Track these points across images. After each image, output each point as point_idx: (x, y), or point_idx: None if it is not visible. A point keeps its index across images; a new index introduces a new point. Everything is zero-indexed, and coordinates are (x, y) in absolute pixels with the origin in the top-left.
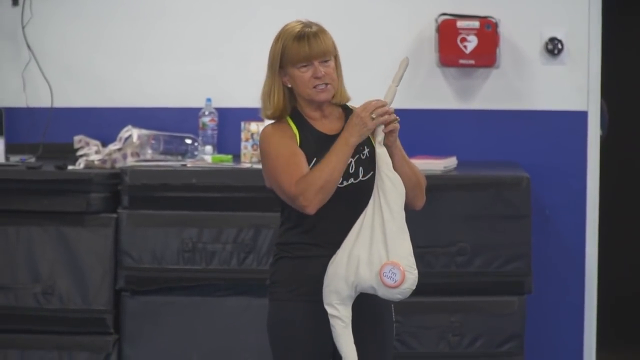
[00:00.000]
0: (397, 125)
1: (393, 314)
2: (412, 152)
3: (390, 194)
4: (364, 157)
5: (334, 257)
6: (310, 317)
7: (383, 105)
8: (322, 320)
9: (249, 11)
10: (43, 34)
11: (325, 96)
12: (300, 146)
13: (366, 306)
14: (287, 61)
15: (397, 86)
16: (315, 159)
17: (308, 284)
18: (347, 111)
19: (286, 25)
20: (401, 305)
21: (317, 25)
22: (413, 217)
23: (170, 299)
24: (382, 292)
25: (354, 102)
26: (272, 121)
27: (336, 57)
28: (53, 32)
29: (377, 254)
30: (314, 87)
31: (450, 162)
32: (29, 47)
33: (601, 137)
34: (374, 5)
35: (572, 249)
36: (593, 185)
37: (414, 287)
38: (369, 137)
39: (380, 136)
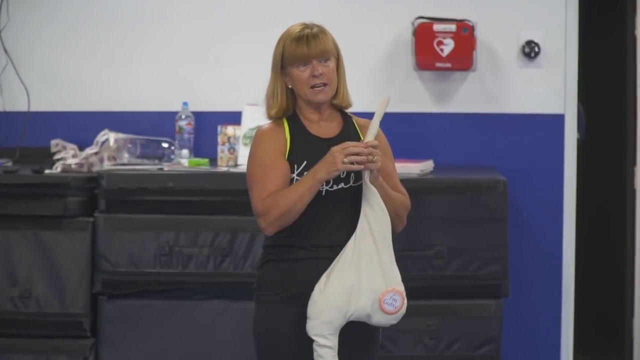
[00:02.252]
0: (373, 166)
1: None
2: None
3: (382, 222)
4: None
5: (322, 286)
6: (297, 320)
7: (356, 151)
8: (305, 321)
9: (225, 16)
10: (20, 38)
11: (323, 97)
12: (290, 150)
13: (354, 329)
14: (287, 62)
15: (379, 122)
16: (305, 162)
17: (295, 287)
18: (346, 118)
19: (288, 28)
20: None
21: (318, 26)
22: None
23: (147, 303)
24: (378, 319)
25: None
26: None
27: (339, 60)
28: (30, 36)
29: (375, 281)
30: (312, 87)
31: (427, 165)
32: (5, 51)
33: (578, 140)
34: (350, 8)
35: (549, 253)
36: (570, 188)
37: (404, 313)
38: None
39: (365, 174)
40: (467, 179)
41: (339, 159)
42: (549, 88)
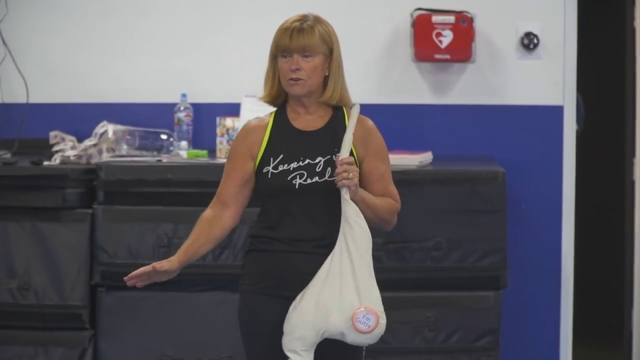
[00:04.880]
0: (348, 182)
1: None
2: (388, 147)
3: (360, 240)
4: (336, 158)
5: (297, 301)
6: (271, 310)
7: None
8: (283, 314)
9: (223, 6)
10: (18, 30)
11: (298, 90)
12: (268, 145)
13: (334, 347)
14: (275, 50)
15: (352, 136)
16: (281, 155)
17: (269, 277)
18: (338, 113)
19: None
20: None
21: (313, 20)
22: None
23: (145, 294)
24: (352, 338)
25: None
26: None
27: (332, 56)
28: (29, 28)
29: (349, 299)
30: (289, 79)
31: (426, 157)
32: (4, 42)
33: (577, 131)
34: (349, 0)
35: (548, 244)
36: (569, 179)
37: (383, 332)
38: (341, 140)
39: (343, 191)
40: (466, 171)
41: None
42: (548, 79)
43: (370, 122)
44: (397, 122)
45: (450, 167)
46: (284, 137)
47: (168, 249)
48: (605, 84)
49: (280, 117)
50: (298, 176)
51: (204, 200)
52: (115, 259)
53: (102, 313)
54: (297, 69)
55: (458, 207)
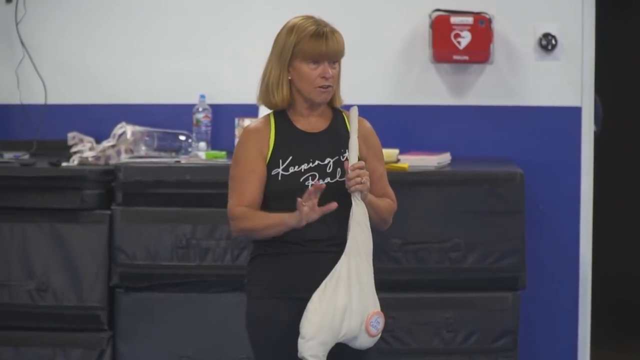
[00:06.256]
0: (362, 187)
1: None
2: (406, 147)
3: (368, 243)
4: (343, 160)
5: (316, 305)
6: (286, 314)
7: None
8: (297, 316)
9: (242, 7)
10: (37, 31)
11: (325, 97)
12: (275, 147)
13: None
14: (298, 55)
15: (357, 139)
16: (290, 157)
17: (283, 281)
18: (337, 114)
19: (298, 20)
20: (395, 301)
21: (329, 24)
22: (407, 213)
23: (164, 296)
24: (361, 341)
25: (351, 97)
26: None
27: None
28: (47, 29)
29: (364, 303)
30: (318, 86)
31: (444, 158)
32: (22, 44)
33: (595, 132)
34: (368, 1)
35: (566, 245)
36: (587, 180)
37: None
38: (344, 140)
39: (356, 195)
40: (484, 172)
41: (305, 218)
42: (565, 80)
43: (368, 123)
44: (415, 123)
45: (468, 168)
46: (290, 138)
47: (186, 250)
48: (623, 85)
49: (281, 119)
50: (310, 177)
51: (223, 201)
52: (133, 260)
53: (120, 314)
54: (331, 77)
55: (476, 208)
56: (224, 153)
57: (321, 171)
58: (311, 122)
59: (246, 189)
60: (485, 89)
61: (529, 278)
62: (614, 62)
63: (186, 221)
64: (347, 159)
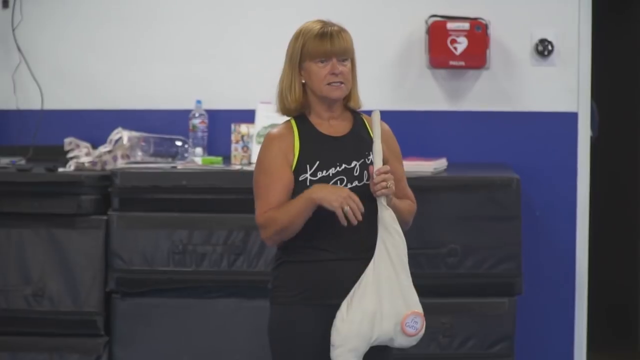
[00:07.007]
0: (388, 191)
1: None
2: (402, 153)
3: (399, 246)
4: (369, 162)
5: (344, 313)
6: (314, 321)
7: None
8: (326, 323)
9: (239, 13)
10: (33, 36)
11: (339, 94)
12: (301, 152)
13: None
14: (306, 56)
15: (380, 143)
16: (318, 161)
17: (312, 287)
18: (357, 117)
19: (306, 24)
20: None
21: (337, 24)
22: None
23: (160, 301)
24: (400, 342)
25: None
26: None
27: (353, 60)
28: (43, 35)
29: (397, 305)
30: (329, 83)
31: (441, 163)
32: (19, 49)
33: (591, 138)
34: (364, 7)
35: (562, 250)
36: (583, 186)
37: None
38: (367, 142)
39: (382, 199)
40: (481, 177)
41: (342, 201)
42: (562, 86)
43: (387, 126)
44: (411, 129)
45: (464, 173)
46: (315, 143)
47: (183, 256)
48: (619, 91)
49: (303, 124)
50: (338, 181)
51: (219, 206)
52: (130, 266)
53: (117, 320)
54: (340, 73)
55: (473, 214)
56: (220, 158)
57: (349, 175)
58: (333, 126)
59: (273, 196)
60: (482, 94)
61: (526, 283)
62: (610, 67)
63: (183, 227)
64: (371, 163)
